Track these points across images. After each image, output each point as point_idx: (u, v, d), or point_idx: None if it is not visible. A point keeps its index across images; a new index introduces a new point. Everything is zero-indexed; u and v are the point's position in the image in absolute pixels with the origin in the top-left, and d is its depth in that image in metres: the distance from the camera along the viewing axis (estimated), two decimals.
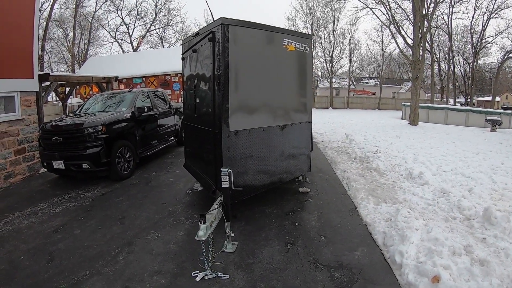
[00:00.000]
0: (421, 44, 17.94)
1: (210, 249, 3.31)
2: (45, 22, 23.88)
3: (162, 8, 36.32)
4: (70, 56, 33.34)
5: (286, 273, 3.34)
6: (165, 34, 39.90)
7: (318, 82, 43.19)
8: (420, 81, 18.68)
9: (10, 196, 6.28)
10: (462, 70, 38.49)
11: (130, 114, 7.27)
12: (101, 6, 32.02)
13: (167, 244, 4.05)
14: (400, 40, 22.06)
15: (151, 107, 8.13)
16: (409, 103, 21.45)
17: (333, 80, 40.27)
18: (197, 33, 5.18)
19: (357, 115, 27.18)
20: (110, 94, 8.44)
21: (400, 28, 20.53)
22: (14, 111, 7.39)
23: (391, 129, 15.91)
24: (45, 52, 30.21)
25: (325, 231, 4.33)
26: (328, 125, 17.46)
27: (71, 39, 32.58)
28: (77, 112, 8.05)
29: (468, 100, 36.59)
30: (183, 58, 5.93)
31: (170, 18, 37.11)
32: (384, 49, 39.38)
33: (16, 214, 5.26)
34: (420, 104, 19.64)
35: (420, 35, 17.64)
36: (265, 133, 4.86)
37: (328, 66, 38.98)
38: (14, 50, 7.20)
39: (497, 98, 39.59)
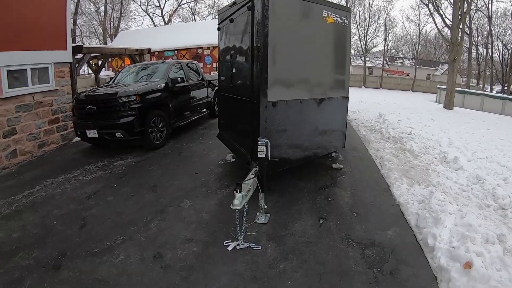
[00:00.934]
0: (460, 26, 16.90)
1: (244, 219, 3.33)
2: None
3: None
4: (101, 30, 33.69)
5: (318, 247, 3.35)
6: (196, 7, 39.41)
7: (352, 60, 41.89)
8: (458, 64, 17.71)
9: (44, 164, 6.50)
10: (500, 56, 35.93)
11: (164, 84, 7.31)
12: None
13: (199, 213, 4.13)
14: (438, 20, 20.84)
15: (184, 79, 8.12)
16: (444, 86, 20.53)
17: (367, 58, 38.91)
18: (234, 3, 5.07)
19: (390, 95, 26.42)
20: (143, 65, 8.54)
21: (439, 8, 19.37)
22: (48, 82, 7.57)
23: (425, 111, 15.37)
24: (77, 27, 30.71)
25: (358, 208, 4.28)
26: (360, 103, 17.02)
27: (103, 13, 32.87)
28: (110, 83, 8.19)
29: (505, 88, 34.43)
30: (219, 29, 5.88)
31: None
32: (420, 29, 37.46)
33: (50, 180, 5.40)
34: (456, 89, 18.76)
35: (459, 16, 16.63)
36: (302, 105, 4.79)
37: (362, 44, 37.72)
38: (48, 22, 7.31)
39: None
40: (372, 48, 38.96)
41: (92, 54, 9.82)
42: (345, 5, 34.90)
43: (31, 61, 7.04)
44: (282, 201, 4.42)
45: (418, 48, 38.37)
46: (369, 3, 36.78)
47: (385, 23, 37.44)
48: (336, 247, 3.36)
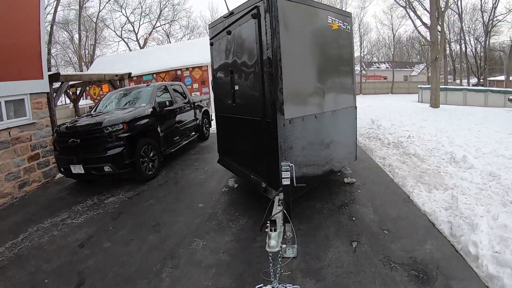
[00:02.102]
0: (439, 23, 17.31)
1: (279, 258, 2.85)
2: (49, 25, 23.47)
3: (167, 3, 35.70)
4: (77, 59, 32.87)
5: (361, 276, 2.97)
6: (171, 30, 39.48)
7: None
8: (440, 62, 18.04)
9: (27, 206, 5.90)
10: (473, 50, 37.40)
11: (151, 109, 6.89)
12: (104, 5, 31.61)
13: (216, 253, 3.62)
14: (416, 21, 21.41)
15: (172, 101, 7.75)
16: (425, 86, 20.90)
17: None
18: (231, 13, 4.70)
19: (372, 100, 26.63)
20: (125, 90, 8.08)
21: (415, 9, 19.93)
22: (25, 115, 7.06)
23: (414, 112, 15.47)
24: (51, 56, 29.88)
25: (386, 224, 3.96)
26: None
27: (77, 41, 32.16)
28: (91, 112, 7.68)
29: (482, 80, 35.69)
30: (211, 44, 5.48)
31: (175, 13, 36.54)
32: (394, 32, 38.51)
33: (35, 227, 4.82)
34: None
35: (437, 14, 16.99)
36: (317, 120, 4.49)
37: None
38: (21, 50, 6.85)
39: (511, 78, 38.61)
40: None
41: (70, 82, 9.29)
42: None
43: (5, 93, 6.55)
44: (304, 228, 4.02)
45: (394, 51, 39.32)
46: None
47: (359, 30, 38.17)
48: (380, 273, 3.00)
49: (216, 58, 5.50)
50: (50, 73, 7.81)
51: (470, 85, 32.59)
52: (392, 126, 10.74)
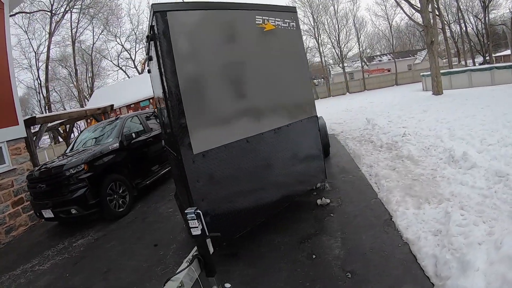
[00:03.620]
0: (430, 8, 15.84)
1: None
2: (44, 64, 23.62)
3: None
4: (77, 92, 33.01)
5: None
6: None
7: (331, 70, 40.88)
8: (437, 46, 16.46)
9: (10, 253, 5.66)
10: (474, 28, 34.60)
11: (118, 144, 6.25)
12: (98, 37, 30.91)
13: None
14: (406, 8, 19.87)
15: (144, 131, 7.13)
16: (427, 73, 19.22)
17: (346, 64, 37.42)
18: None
19: (376, 95, 24.83)
20: (97, 126, 7.47)
21: None
22: (4, 162, 6.74)
23: (415, 103, 13.93)
24: (53, 92, 30.21)
25: (352, 263, 3.00)
26: (346, 112, 15.80)
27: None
28: (66, 152, 7.12)
29: (487, 57, 33.02)
30: (149, 71, 4.60)
31: None
32: (391, 22, 36.52)
33: (7, 275, 4.63)
34: (440, 71, 17.47)
35: None
36: (250, 144, 3.53)
37: (337, 51, 36.38)
38: None
39: None
40: (347, 52, 37.69)
41: (50, 124, 8.86)
42: (311, 17, 34.39)
43: None
44: (252, 272, 3.14)
45: (393, 41, 36.99)
46: (334, 9, 35.54)
47: (354, 25, 36.28)
48: None
49: (153, 86, 4.59)
50: (25, 117, 7.37)
51: (477, 65, 30.05)
52: (389, 123, 9.50)
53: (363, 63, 37.74)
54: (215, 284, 2.45)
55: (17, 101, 7.07)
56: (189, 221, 2.36)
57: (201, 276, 2.37)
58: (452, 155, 5.24)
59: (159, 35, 2.90)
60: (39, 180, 5.72)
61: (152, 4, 2.93)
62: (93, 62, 31.99)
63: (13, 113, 6.94)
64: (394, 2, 19.87)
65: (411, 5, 17.62)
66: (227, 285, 3.00)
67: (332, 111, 17.30)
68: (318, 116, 7.28)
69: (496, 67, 18.75)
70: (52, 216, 5.64)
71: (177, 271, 2.29)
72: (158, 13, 2.87)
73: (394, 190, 4.38)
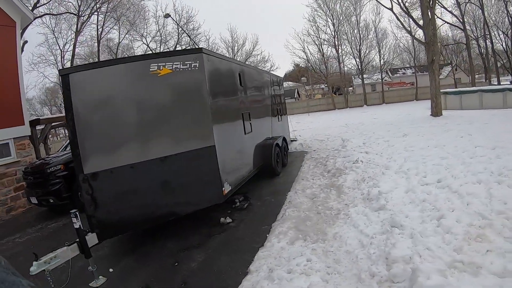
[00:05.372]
0: (431, 21, 14.46)
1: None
2: (69, 62, 23.95)
3: (183, 30, 31.86)
4: None
5: None
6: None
7: (353, 80, 39.28)
8: (437, 65, 15.14)
9: (4, 227, 6.74)
10: (504, 45, 31.02)
11: None
12: (124, 36, 29.62)
13: None
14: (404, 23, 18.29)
15: None
16: (443, 90, 17.78)
17: (366, 75, 35.60)
18: None
19: (387, 110, 23.68)
20: None
21: (408, 9, 16.92)
22: (10, 155, 7.74)
23: (408, 124, 13.15)
24: None
25: (197, 276, 3.51)
26: (341, 128, 15.45)
27: None
28: (60, 150, 8.11)
29: None
30: None
31: (192, 37, 32.48)
32: (413, 35, 34.03)
33: None
34: (450, 90, 16.25)
35: (428, 11, 14.26)
36: (134, 170, 4.17)
37: (357, 62, 34.50)
38: (5, 106, 7.58)
39: None
40: (366, 64, 35.65)
41: (53, 124, 9.90)
42: (332, 26, 33.06)
43: None
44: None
45: (415, 54, 34.32)
46: (357, 19, 33.40)
47: (376, 36, 33.92)
48: None
49: None
50: (31, 119, 8.42)
51: (507, 82, 27.06)
52: (359, 146, 9.27)
53: (385, 75, 35.86)
54: (92, 264, 3.57)
55: (24, 105, 8.18)
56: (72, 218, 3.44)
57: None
58: (369, 192, 5.18)
59: (63, 89, 3.65)
60: (30, 174, 6.74)
61: (59, 69, 3.75)
62: None
63: (20, 115, 8.00)
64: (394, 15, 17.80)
65: (414, 20, 16.53)
66: (110, 269, 3.85)
67: (328, 125, 17.03)
68: (279, 136, 8.21)
69: (509, 89, 16.92)
70: (37, 202, 6.72)
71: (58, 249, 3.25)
72: (62, 76, 3.80)
73: (289, 221, 4.59)
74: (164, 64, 4.16)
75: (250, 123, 6.63)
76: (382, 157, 7.67)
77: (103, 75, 4.03)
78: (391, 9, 16.87)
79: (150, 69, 4.10)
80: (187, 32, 28.84)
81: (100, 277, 3.66)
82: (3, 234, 6.16)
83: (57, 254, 3.27)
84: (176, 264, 3.82)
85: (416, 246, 3.16)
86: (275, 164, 7.43)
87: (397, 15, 17.77)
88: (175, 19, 27.14)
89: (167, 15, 21.63)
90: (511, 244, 2.99)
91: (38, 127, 8.94)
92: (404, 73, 38.37)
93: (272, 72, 35.40)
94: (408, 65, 37.86)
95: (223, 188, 4.72)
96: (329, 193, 5.73)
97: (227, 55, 35.55)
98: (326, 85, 38.64)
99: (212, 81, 4.75)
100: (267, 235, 4.30)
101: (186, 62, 4.32)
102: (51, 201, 6.46)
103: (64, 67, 23.54)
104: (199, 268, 3.67)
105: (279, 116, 9.82)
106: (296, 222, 4.54)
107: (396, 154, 7.81)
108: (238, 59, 36.37)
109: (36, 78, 35.43)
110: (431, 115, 14.99)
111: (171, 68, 4.20)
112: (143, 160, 4.18)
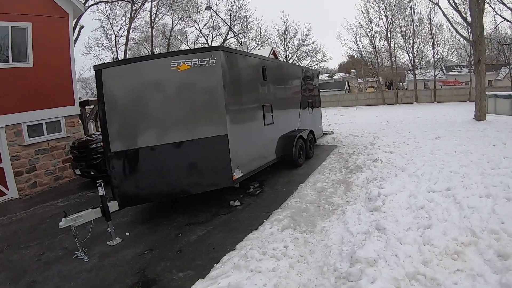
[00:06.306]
0: (479, 19, 13.21)
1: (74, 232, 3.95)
2: (123, 47, 25.33)
3: (236, 17, 32.63)
4: None
5: None
6: (244, 40, 35.91)
7: (406, 75, 37.17)
8: (483, 65, 13.83)
9: (51, 193, 7.97)
10: None
11: None
12: (177, 22, 30.33)
13: None
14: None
15: None
16: (490, 93, 16.33)
17: (419, 71, 33.36)
18: None
19: (434, 110, 22.18)
20: None
21: (457, 4, 15.49)
22: (61, 131, 8.98)
23: (446, 127, 12.40)
24: None
25: (195, 251, 4.04)
26: (382, 124, 15.03)
27: None
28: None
29: None
30: None
31: (244, 25, 33.30)
32: (469, 31, 30.90)
33: (41, 205, 6.86)
34: (500, 93, 14.84)
35: (477, 7, 13.09)
36: (154, 151, 4.91)
37: (410, 56, 32.42)
38: (58, 88, 8.79)
39: None
40: (420, 60, 33.44)
41: None
42: (385, 18, 31.43)
43: (46, 116, 8.55)
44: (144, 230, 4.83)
45: (470, 52, 30.93)
46: (411, 12, 31.32)
47: (431, 31, 31.41)
48: None
49: None
50: (80, 100, 9.60)
51: None
52: (386, 145, 9.08)
53: (438, 72, 33.27)
54: (110, 226, 4.38)
55: (75, 88, 9.33)
56: (98, 187, 4.22)
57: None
58: (370, 192, 5.27)
59: (97, 81, 4.48)
60: (76, 148, 7.89)
61: (94, 65, 4.72)
62: (172, 45, 31.83)
63: (71, 97, 9.16)
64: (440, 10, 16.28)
65: (462, 16, 15.22)
66: (127, 233, 4.64)
67: (369, 121, 16.62)
68: (306, 129, 8.84)
69: None
70: (80, 173, 7.83)
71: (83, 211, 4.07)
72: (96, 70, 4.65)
73: (288, 210, 4.93)
74: (183, 60, 4.80)
75: (272, 115, 7.05)
76: (404, 159, 7.52)
77: (131, 71, 4.81)
78: (437, 4, 15.83)
79: (171, 65, 4.78)
80: (228, 23, 28.78)
81: (117, 238, 4.48)
82: (49, 198, 7.36)
83: (83, 214, 4.13)
84: (180, 235, 4.51)
85: (386, 251, 3.24)
86: (296, 156, 7.76)
87: (444, 11, 16.62)
88: (226, 6, 27.28)
89: (208, 7, 22.25)
90: (488, 268, 2.89)
91: (88, 107, 10.21)
92: (459, 71, 35.29)
93: (316, 65, 35.01)
94: (465, 63, 34.58)
95: (233, 174, 5.29)
96: (338, 188, 5.96)
97: (279, 44, 35.37)
98: (378, 78, 37.07)
99: (228, 75, 5.28)
100: (264, 220, 4.72)
101: (204, 59, 4.92)
102: (92, 173, 7.54)
103: (118, 51, 25.60)
104: (196, 240, 4.30)
105: (310, 109, 10.09)
106: (294, 212, 4.86)
107: (419, 156, 7.61)
108: (289, 48, 36.28)
109: (92, 60, 38.12)
110: (474, 118, 14.02)
111: (189, 64, 4.82)
112: (161, 143, 4.90)
